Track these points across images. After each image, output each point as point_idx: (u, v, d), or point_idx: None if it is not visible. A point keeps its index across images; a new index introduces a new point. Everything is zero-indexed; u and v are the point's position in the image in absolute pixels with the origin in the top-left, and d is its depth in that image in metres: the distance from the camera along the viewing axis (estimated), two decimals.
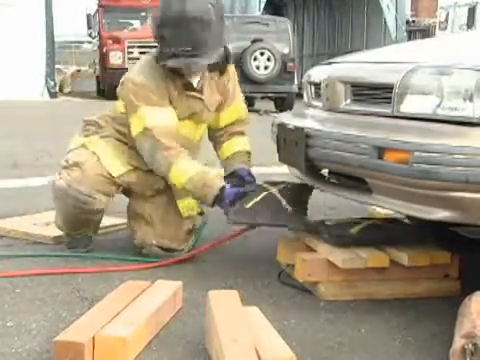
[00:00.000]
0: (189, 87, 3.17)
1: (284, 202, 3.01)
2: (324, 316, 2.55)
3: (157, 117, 3.05)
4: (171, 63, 3.02)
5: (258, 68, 14.42)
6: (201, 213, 3.31)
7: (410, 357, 2.22)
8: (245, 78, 14.50)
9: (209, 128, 3.41)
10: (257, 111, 13.09)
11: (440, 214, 2.32)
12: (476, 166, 2.15)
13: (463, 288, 2.72)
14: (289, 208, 2.99)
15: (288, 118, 3.17)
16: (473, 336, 1.90)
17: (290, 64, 14.76)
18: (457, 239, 3.39)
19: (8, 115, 11.06)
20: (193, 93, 3.18)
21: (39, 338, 2.28)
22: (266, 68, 14.43)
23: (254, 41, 14.43)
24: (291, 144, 2.90)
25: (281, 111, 11.66)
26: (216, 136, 3.41)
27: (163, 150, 3.02)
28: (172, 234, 3.22)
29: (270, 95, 15.05)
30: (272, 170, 5.33)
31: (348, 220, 3.03)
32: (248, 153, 3.36)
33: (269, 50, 14.37)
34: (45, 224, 3.63)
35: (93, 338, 2.05)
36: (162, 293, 2.47)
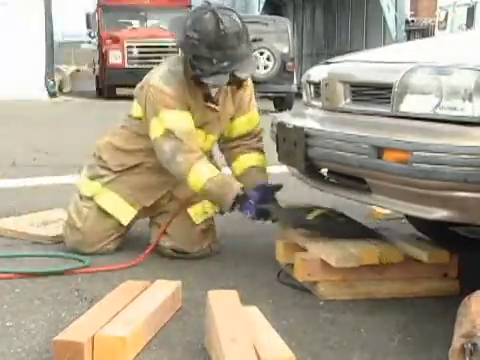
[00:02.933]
0: (208, 98, 3.20)
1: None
2: (323, 316, 2.55)
3: (178, 120, 3.07)
4: (212, 81, 3.07)
5: (257, 68, 14.41)
6: (222, 212, 3.27)
7: (409, 357, 2.22)
8: None
9: (221, 139, 3.41)
10: None
11: (440, 214, 2.32)
12: (476, 166, 2.15)
13: (462, 288, 2.72)
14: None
15: (287, 118, 3.17)
16: (472, 336, 1.90)
17: (289, 64, 14.76)
18: (457, 239, 3.39)
19: (7, 115, 11.06)
20: (210, 104, 3.21)
21: (38, 338, 2.28)
22: (265, 68, 14.43)
23: (253, 41, 14.38)
24: (290, 144, 2.90)
25: (280, 111, 11.67)
26: (229, 147, 3.40)
27: (185, 152, 3.04)
28: (184, 237, 3.23)
29: (269, 95, 15.04)
30: (272, 170, 5.33)
31: (303, 206, 3.18)
32: (265, 171, 3.34)
33: (268, 50, 14.37)
34: (43, 224, 3.63)
35: (92, 338, 2.05)
36: (161, 293, 2.47)
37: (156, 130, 3.08)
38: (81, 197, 3.29)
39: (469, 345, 1.88)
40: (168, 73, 3.13)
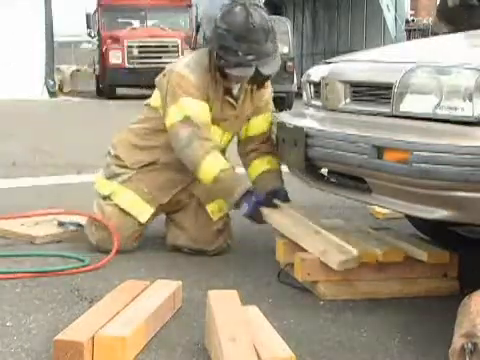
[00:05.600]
0: (228, 92, 3.23)
1: None
2: (323, 316, 2.55)
3: (197, 108, 3.12)
4: (236, 72, 3.10)
5: None
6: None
7: (409, 357, 2.22)
8: None
9: (239, 142, 3.43)
10: None
11: (440, 214, 2.32)
12: (476, 166, 2.15)
13: (462, 287, 2.72)
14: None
15: (287, 117, 3.17)
16: (472, 335, 1.90)
17: (289, 64, 14.74)
18: (457, 239, 3.39)
19: (7, 114, 11.07)
20: (230, 99, 3.24)
21: (38, 338, 2.28)
22: None
23: None
24: (290, 144, 2.90)
25: (280, 111, 11.67)
26: (244, 153, 3.41)
27: (202, 139, 3.07)
28: (201, 236, 3.26)
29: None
30: None
31: None
32: (280, 171, 3.35)
33: None
34: (34, 224, 3.63)
35: (92, 338, 2.05)
36: (161, 293, 2.47)
37: (174, 116, 3.11)
38: (103, 197, 3.31)
39: (469, 345, 1.88)
40: (193, 62, 3.20)
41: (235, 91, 3.26)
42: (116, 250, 3.15)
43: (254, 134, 3.38)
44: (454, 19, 3.81)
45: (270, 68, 3.14)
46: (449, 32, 3.88)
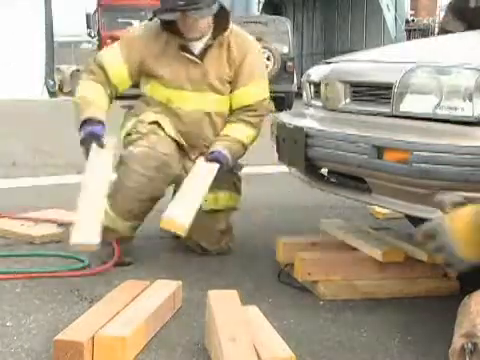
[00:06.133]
0: (185, 49, 3.21)
1: None
2: (323, 315, 2.55)
3: (107, 56, 3.24)
4: (164, 16, 3.13)
5: None
6: (234, 208, 3.32)
7: (409, 357, 2.22)
8: None
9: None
10: None
11: (439, 214, 2.32)
12: (476, 166, 2.15)
13: (462, 287, 2.72)
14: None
15: (287, 117, 3.17)
16: (473, 335, 1.90)
17: (289, 64, 14.76)
18: None
19: (7, 114, 11.07)
20: (189, 56, 3.20)
21: (38, 338, 2.28)
22: (265, 67, 14.43)
23: None
24: (290, 143, 2.90)
25: (280, 110, 11.66)
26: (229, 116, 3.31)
27: (88, 72, 3.21)
28: (205, 236, 3.24)
29: (269, 94, 15.03)
30: (271, 170, 5.34)
31: None
32: (238, 142, 3.21)
33: (269, 49, 14.37)
34: (33, 223, 3.63)
35: (92, 338, 2.05)
36: (161, 293, 2.47)
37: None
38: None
39: (469, 345, 1.88)
40: (142, 25, 3.39)
41: (196, 49, 3.21)
42: (115, 262, 3.01)
43: (237, 107, 3.28)
44: (474, 19, 3.80)
45: (198, 13, 3.09)
46: (464, 30, 3.87)
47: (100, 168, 2.93)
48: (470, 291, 2.15)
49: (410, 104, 2.41)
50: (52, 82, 17.01)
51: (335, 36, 24.06)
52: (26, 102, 13.89)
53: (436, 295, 2.76)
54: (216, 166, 3.09)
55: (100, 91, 3.17)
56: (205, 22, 3.17)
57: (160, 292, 2.48)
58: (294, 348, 2.05)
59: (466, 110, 2.24)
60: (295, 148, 2.84)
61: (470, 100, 2.23)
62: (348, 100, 2.76)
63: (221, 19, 3.22)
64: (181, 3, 3.05)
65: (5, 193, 4.73)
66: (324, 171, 2.94)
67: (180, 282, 2.61)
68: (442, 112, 2.30)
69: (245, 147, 3.26)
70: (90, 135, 3.01)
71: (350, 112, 2.72)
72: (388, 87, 2.48)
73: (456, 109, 2.27)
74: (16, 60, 15.41)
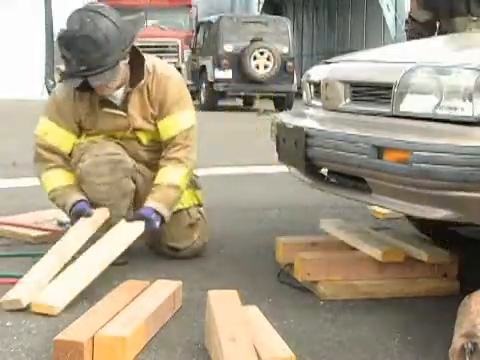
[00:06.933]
0: (106, 104, 3.14)
1: None
2: (323, 315, 2.55)
3: (45, 129, 3.17)
4: (69, 83, 3.08)
5: (257, 67, 14.44)
6: (199, 205, 3.29)
7: (409, 357, 2.22)
8: (244, 77, 14.53)
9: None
10: (256, 111, 13.10)
11: (440, 214, 2.32)
12: (476, 166, 2.15)
13: (462, 287, 2.72)
14: None
15: (287, 118, 3.17)
16: (472, 335, 1.90)
17: (289, 64, 14.78)
18: (457, 239, 3.39)
19: (7, 114, 11.07)
20: (111, 110, 3.14)
21: (38, 338, 2.28)
22: (266, 67, 14.44)
23: (253, 40, 14.45)
24: (290, 144, 2.90)
25: (280, 111, 11.67)
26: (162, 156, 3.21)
27: (41, 161, 3.17)
28: (172, 233, 3.20)
29: (269, 94, 15.05)
30: (271, 170, 5.34)
31: None
32: (172, 187, 3.10)
33: (269, 49, 14.39)
34: (33, 223, 3.63)
35: (92, 338, 2.06)
36: (161, 293, 2.47)
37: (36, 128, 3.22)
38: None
39: (469, 345, 1.88)
40: (66, 83, 3.15)
41: (117, 99, 3.15)
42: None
43: (165, 138, 3.20)
44: (437, 7, 3.83)
45: (100, 79, 2.99)
46: (430, 19, 3.90)
47: (83, 228, 3.00)
48: (470, 291, 2.16)
49: (410, 104, 2.41)
50: (52, 82, 16.98)
51: (335, 36, 24.06)
52: (26, 102, 13.88)
53: (436, 295, 2.76)
54: (140, 225, 2.98)
55: (65, 175, 3.15)
56: (116, 80, 3.07)
57: (160, 292, 2.48)
58: (294, 348, 2.06)
59: (466, 110, 2.24)
60: (295, 148, 2.84)
61: (470, 100, 2.23)
62: (348, 100, 2.76)
63: (137, 67, 3.13)
64: (82, 68, 2.95)
65: (5, 193, 4.73)
66: (324, 171, 2.94)
67: (180, 282, 2.61)
68: (442, 112, 2.30)
69: (181, 189, 3.16)
70: (78, 213, 3.06)
71: (350, 112, 2.72)
72: (388, 87, 2.48)
73: (456, 109, 2.27)
74: (16, 60, 15.43)
